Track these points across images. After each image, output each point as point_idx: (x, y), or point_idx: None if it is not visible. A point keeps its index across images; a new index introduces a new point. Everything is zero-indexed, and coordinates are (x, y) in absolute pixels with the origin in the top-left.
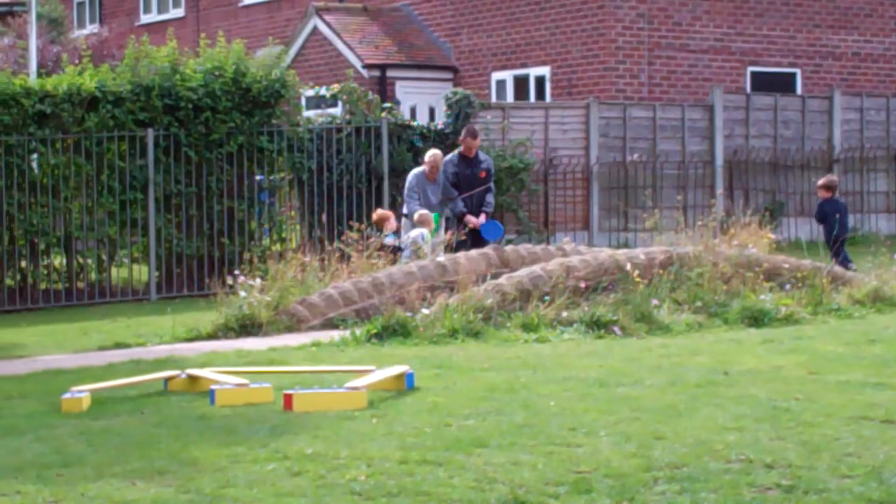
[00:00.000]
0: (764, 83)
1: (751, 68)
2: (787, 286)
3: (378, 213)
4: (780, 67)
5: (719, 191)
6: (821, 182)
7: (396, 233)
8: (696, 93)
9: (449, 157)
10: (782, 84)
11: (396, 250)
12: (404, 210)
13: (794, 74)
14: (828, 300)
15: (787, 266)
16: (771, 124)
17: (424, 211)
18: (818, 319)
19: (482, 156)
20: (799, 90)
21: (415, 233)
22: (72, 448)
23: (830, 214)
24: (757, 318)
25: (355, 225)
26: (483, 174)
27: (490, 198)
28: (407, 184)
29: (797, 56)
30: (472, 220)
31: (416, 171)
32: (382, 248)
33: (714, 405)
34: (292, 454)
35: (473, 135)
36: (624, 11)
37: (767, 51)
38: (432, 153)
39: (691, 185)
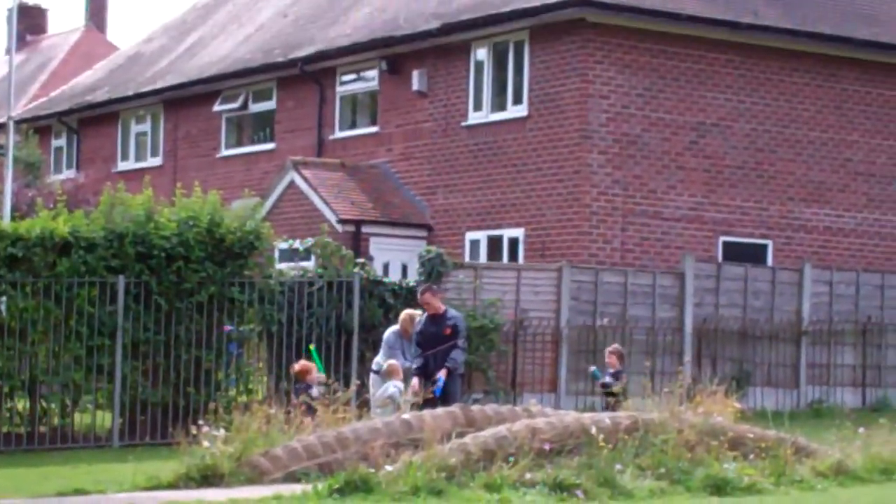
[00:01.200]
0: (735, 253)
1: (723, 238)
2: (751, 455)
3: (300, 364)
4: (752, 238)
5: (687, 358)
6: (615, 350)
7: (320, 384)
8: (668, 260)
9: (420, 317)
10: (753, 255)
11: (310, 409)
12: (373, 366)
13: (765, 246)
14: (791, 471)
15: (751, 436)
16: (741, 294)
17: (393, 361)
18: (780, 490)
19: (451, 313)
20: (770, 261)
21: (390, 388)
22: None
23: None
24: (720, 487)
25: (322, 378)
26: (448, 331)
27: (456, 354)
28: (384, 342)
29: (769, 227)
30: (413, 386)
31: (392, 328)
32: (307, 403)
33: None
34: None
35: (423, 291)
36: (599, 177)
37: (740, 221)
38: (405, 313)
39: (660, 352)
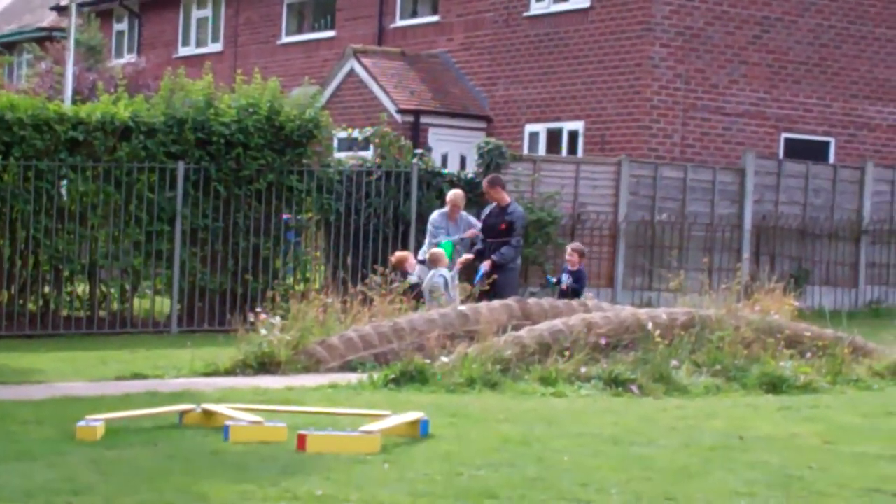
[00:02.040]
0: (797, 150)
1: (784, 134)
2: (808, 354)
3: (396, 255)
4: (815, 135)
5: (746, 255)
6: (576, 248)
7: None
8: (728, 156)
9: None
10: (815, 152)
11: (417, 289)
12: (419, 255)
13: (827, 143)
14: (847, 371)
15: (808, 334)
16: (801, 191)
17: (435, 249)
18: (836, 389)
19: (511, 208)
20: (832, 159)
21: (435, 277)
22: (83, 476)
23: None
24: (775, 385)
25: (379, 269)
26: (503, 226)
27: (506, 249)
28: (429, 224)
29: (832, 125)
30: (484, 266)
31: (438, 211)
32: (410, 289)
33: (727, 469)
34: (302, 495)
35: (490, 182)
36: (661, 71)
37: (802, 118)
38: (453, 192)
39: (718, 248)
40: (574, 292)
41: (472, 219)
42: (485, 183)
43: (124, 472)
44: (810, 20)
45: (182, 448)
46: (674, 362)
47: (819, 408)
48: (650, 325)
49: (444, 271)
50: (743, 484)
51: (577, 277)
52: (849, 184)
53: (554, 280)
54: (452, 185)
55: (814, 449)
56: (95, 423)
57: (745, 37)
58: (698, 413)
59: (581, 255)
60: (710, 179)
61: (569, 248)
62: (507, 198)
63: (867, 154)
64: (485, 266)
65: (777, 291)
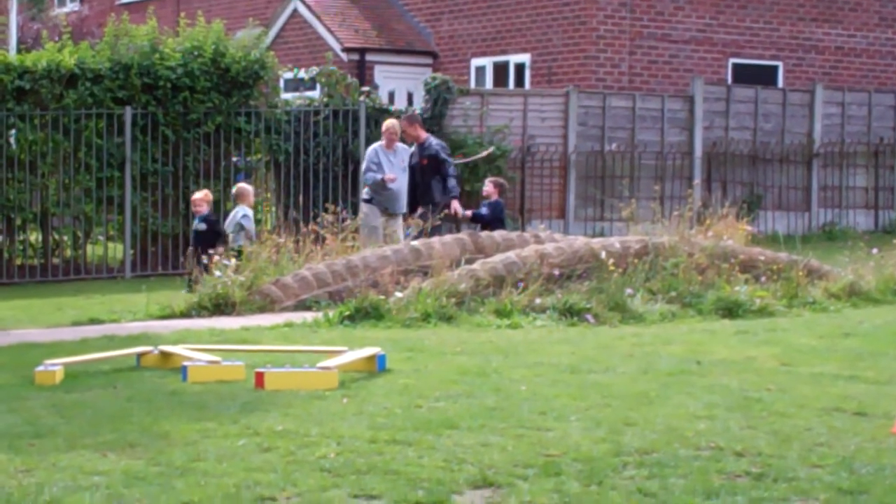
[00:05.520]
0: (745, 75)
1: (732, 60)
2: (763, 279)
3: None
4: (763, 60)
5: (697, 181)
6: (494, 180)
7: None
8: (676, 83)
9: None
10: (764, 77)
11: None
12: (364, 194)
13: (776, 67)
14: (803, 293)
15: (762, 258)
16: (751, 117)
17: (240, 184)
18: (793, 312)
19: (427, 142)
20: (780, 83)
21: (238, 214)
22: (44, 420)
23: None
24: (731, 310)
25: (331, 207)
26: (424, 161)
27: (450, 183)
28: (366, 160)
29: (779, 49)
30: (456, 209)
31: (374, 145)
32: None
33: (685, 394)
34: (263, 431)
35: (408, 121)
36: (606, 0)
37: (750, 43)
38: (389, 121)
39: (669, 176)
40: (489, 225)
41: (409, 150)
42: (402, 122)
43: (85, 415)
44: None
45: (141, 389)
46: (628, 290)
47: (776, 331)
48: (604, 255)
49: (246, 209)
50: (702, 407)
51: (492, 208)
52: (798, 107)
53: (468, 213)
54: None
55: (772, 371)
56: (54, 367)
57: None
58: (655, 340)
59: (497, 186)
60: (659, 108)
61: (487, 181)
62: (423, 134)
63: (816, 77)
64: (455, 206)
65: (730, 217)
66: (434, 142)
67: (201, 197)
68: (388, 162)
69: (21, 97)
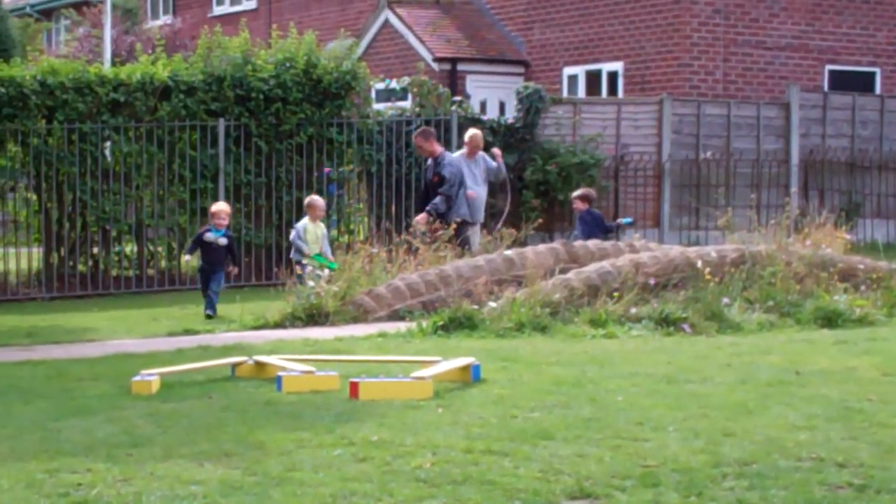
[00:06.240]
0: (842, 82)
1: (829, 66)
2: (862, 287)
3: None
4: (860, 66)
5: (793, 189)
6: (578, 195)
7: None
8: (772, 91)
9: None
10: (861, 83)
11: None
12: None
13: (873, 73)
14: None
15: (862, 267)
16: (849, 124)
17: (314, 196)
18: (893, 322)
19: (443, 159)
20: (878, 89)
21: (299, 225)
22: (141, 429)
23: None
24: (830, 319)
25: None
26: (435, 178)
27: (437, 200)
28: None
29: (877, 55)
30: (418, 220)
31: (455, 154)
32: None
33: (785, 404)
34: (358, 441)
35: (416, 135)
36: (700, 7)
37: (846, 49)
38: (472, 131)
39: (765, 184)
40: (588, 236)
41: (491, 161)
42: (417, 138)
43: (181, 424)
44: None
45: (236, 399)
46: (725, 300)
47: (876, 340)
48: (699, 264)
49: (305, 222)
50: (802, 418)
51: (582, 221)
52: None
53: (617, 223)
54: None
55: (873, 381)
56: (150, 377)
57: None
58: (753, 349)
59: (584, 199)
60: (755, 115)
61: (572, 197)
62: (438, 149)
63: None
64: (418, 218)
65: (828, 225)
66: (448, 157)
67: (225, 210)
68: (470, 172)
69: (116, 110)
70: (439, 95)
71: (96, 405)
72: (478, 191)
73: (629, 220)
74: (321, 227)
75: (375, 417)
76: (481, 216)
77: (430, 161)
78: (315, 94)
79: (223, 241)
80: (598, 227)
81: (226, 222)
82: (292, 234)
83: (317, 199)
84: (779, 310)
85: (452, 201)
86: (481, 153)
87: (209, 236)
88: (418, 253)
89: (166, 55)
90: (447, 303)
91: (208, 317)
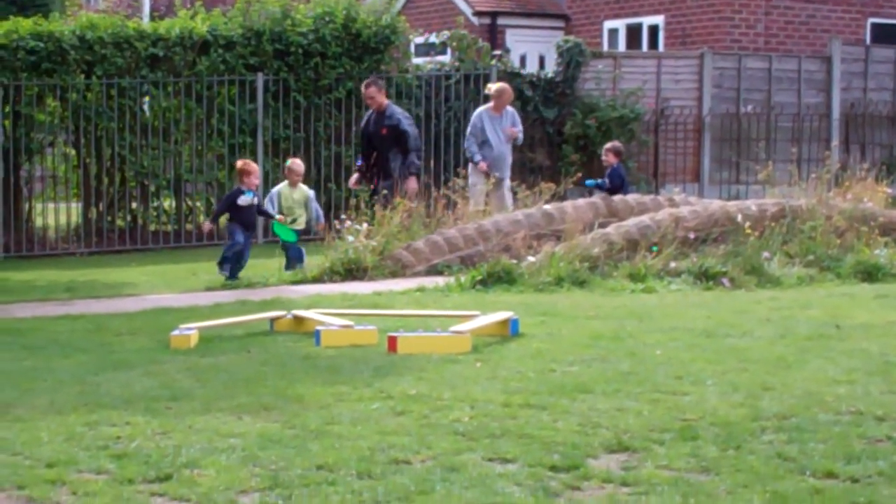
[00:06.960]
0: (884, 35)
1: (871, 20)
2: None
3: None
4: None
5: (834, 143)
6: (609, 147)
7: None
8: (813, 44)
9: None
10: None
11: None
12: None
13: None
14: None
15: None
16: (890, 77)
17: (295, 159)
18: None
19: (390, 111)
20: None
21: (274, 189)
22: (180, 383)
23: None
24: (871, 273)
25: (462, 172)
26: (383, 130)
27: (411, 157)
28: (470, 123)
29: None
30: (350, 182)
31: (479, 109)
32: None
33: (824, 358)
34: (396, 394)
35: (367, 85)
36: None
37: (889, 2)
38: (501, 85)
39: (806, 138)
40: (612, 192)
41: (518, 123)
42: (369, 87)
43: (220, 378)
44: None
45: (275, 354)
46: (765, 254)
47: None
48: (740, 218)
49: (281, 186)
50: (842, 372)
51: (611, 177)
52: None
53: (596, 182)
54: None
55: None
56: (189, 331)
57: None
58: (792, 304)
59: (616, 153)
60: (796, 69)
61: (603, 149)
62: (385, 101)
63: None
64: (410, 186)
65: (869, 179)
66: (397, 111)
67: (257, 169)
68: (492, 128)
69: (154, 64)
70: (479, 49)
71: (135, 359)
72: (500, 148)
73: (593, 182)
74: (302, 191)
75: (414, 371)
76: (508, 172)
77: (371, 113)
78: (354, 48)
79: (255, 200)
80: (618, 185)
81: (256, 182)
82: (266, 198)
83: (296, 163)
84: (819, 264)
85: (411, 155)
86: (510, 109)
87: (244, 199)
88: (457, 208)
89: (205, 10)
90: (486, 257)
91: (228, 279)
